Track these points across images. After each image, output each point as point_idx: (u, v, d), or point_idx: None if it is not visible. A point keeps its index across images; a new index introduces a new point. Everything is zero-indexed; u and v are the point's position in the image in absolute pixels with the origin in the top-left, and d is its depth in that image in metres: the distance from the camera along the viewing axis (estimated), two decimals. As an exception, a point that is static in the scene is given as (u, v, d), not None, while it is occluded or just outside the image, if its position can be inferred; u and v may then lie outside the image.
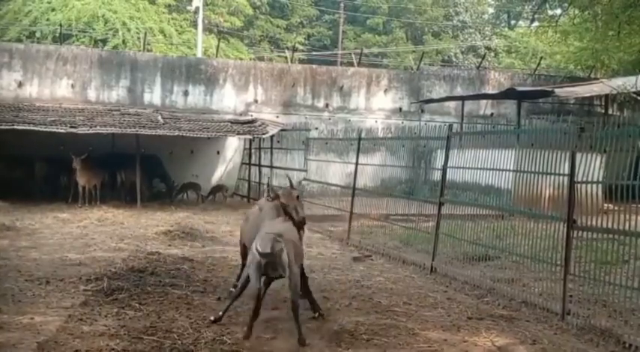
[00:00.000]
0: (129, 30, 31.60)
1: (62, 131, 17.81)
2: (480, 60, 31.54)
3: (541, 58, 29.66)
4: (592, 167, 7.71)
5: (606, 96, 24.17)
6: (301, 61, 31.73)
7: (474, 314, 7.96)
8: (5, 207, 16.71)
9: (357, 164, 14.94)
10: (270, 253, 6.33)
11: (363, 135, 15.17)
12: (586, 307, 7.78)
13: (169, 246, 12.18)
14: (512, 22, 48.27)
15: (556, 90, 22.14)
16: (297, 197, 7.74)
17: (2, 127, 17.25)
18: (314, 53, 34.46)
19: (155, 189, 21.52)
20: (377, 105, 25.36)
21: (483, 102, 26.09)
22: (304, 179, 18.84)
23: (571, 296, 7.90)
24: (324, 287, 9.10)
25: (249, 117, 22.57)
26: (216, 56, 27.17)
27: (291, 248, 6.58)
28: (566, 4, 29.72)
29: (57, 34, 27.99)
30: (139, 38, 30.49)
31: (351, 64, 28.49)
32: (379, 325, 7.23)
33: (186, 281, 8.99)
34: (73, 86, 22.61)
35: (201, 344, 6.30)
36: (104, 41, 31.64)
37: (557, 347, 6.71)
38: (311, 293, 7.53)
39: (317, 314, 7.41)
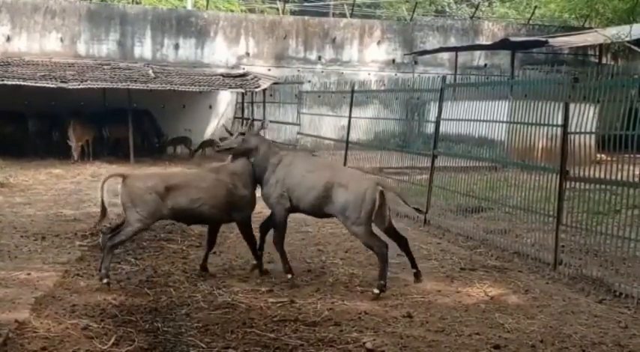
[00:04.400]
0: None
1: (52, 86, 17.66)
2: (473, 10, 31.16)
3: (535, 7, 29.32)
4: (585, 117, 7.70)
5: (600, 45, 23.98)
6: (293, 13, 31.22)
7: (467, 265, 8.05)
8: (-2, 164, 16.66)
9: (350, 117, 14.89)
10: None
11: (356, 88, 15.09)
12: (578, 257, 7.87)
13: (164, 200, 12.17)
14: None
15: (550, 40, 21.97)
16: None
17: (-8, 83, 17.09)
18: (306, 4, 33.88)
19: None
20: (370, 58, 25.13)
21: (477, 53, 25.89)
22: (298, 133, 18.82)
23: (563, 246, 7.99)
24: (318, 240, 9.17)
25: (241, 71, 22.35)
26: (207, 8, 26.74)
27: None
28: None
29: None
30: (127, -10, 29.94)
31: (343, 16, 28.11)
32: (373, 277, 7.30)
33: (182, 235, 9.05)
34: (62, 40, 22.30)
35: (198, 298, 6.37)
36: (92, -7, 31.02)
37: (548, 296, 6.81)
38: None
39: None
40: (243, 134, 7.48)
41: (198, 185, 7.02)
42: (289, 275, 7.01)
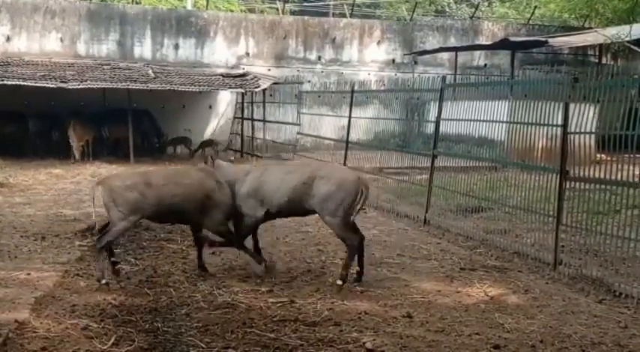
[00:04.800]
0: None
1: (52, 86, 17.66)
2: (473, 10, 31.15)
3: (535, 7, 29.32)
4: (585, 117, 7.70)
5: (600, 45, 23.98)
6: (293, 13, 31.20)
7: (467, 265, 8.04)
8: (-3, 164, 16.66)
9: (350, 117, 14.89)
10: None
11: (356, 88, 15.08)
12: (577, 257, 7.87)
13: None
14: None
15: (550, 40, 21.98)
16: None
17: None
18: (305, 4, 33.86)
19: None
20: (370, 58, 25.13)
21: (477, 53, 25.89)
22: (298, 133, 18.81)
23: (563, 246, 7.99)
24: (318, 240, 9.17)
25: (240, 71, 22.35)
26: (207, 8, 26.74)
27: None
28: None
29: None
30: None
31: (343, 16, 28.11)
32: (373, 277, 7.31)
33: (181, 235, 9.03)
34: (62, 40, 22.29)
35: (198, 298, 6.37)
36: (92, -7, 31.01)
37: (548, 296, 6.81)
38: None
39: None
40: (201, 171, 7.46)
41: (180, 181, 7.03)
42: (262, 265, 7.14)
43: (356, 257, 7.02)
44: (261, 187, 7.13)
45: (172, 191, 6.90)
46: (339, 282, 6.73)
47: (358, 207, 6.94)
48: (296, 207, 7.08)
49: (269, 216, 7.25)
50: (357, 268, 7.09)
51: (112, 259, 7.04)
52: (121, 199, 6.69)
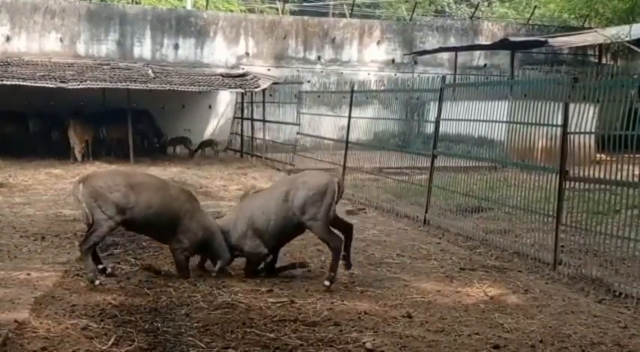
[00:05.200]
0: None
1: (52, 86, 17.65)
2: (473, 10, 31.15)
3: (535, 7, 29.34)
4: (585, 117, 7.70)
5: (600, 45, 24.00)
6: (292, 13, 31.19)
7: (466, 265, 8.04)
8: (-3, 164, 16.66)
9: (349, 117, 14.89)
10: None
11: (355, 88, 15.08)
12: (577, 257, 7.87)
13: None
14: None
15: (549, 40, 22.00)
16: None
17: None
18: (305, 4, 33.85)
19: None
20: (370, 58, 25.14)
21: (477, 53, 25.90)
22: (297, 133, 18.81)
23: (562, 246, 7.99)
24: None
25: (240, 71, 22.35)
26: (206, 8, 26.74)
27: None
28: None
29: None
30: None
31: (343, 16, 28.12)
32: (373, 277, 7.31)
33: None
34: (61, 40, 22.30)
35: (198, 298, 6.36)
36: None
37: (548, 296, 6.81)
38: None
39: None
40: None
41: (158, 192, 6.92)
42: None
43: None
44: (248, 220, 7.09)
45: (150, 200, 6.78)
46: (327, 283, 6.74)
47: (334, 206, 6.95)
48: (287, 227, 7.05)
49: (272, 249, 7.22)
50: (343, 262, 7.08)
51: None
52: (103, 200, 6.58)
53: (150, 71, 20.29)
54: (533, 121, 8.66)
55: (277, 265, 7.41)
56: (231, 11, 30.31)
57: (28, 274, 7.00)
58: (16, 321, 5.47)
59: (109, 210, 6.61)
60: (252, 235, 7.08)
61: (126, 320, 5.70)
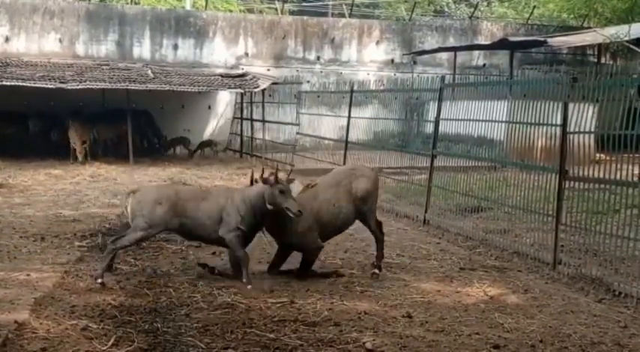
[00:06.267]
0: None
1: (51, 87, 17.64)
2: (472, 10, 31.13)
3: (534, 7, 29.35)
4: (584, 117, 7.70)
5: (599, 45, 23.99)
6: (292, 13, 31.14)
7: (466, 265, 8.05)
8: (-3, 164, 16.64)
9: (349, 117, 14.89)
10: None
11: (355, 88, 15.08)
12: (577, 256, 7.87)
13: (163, 201, 12.16)
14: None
15: (549, 39, 21.99)
16: None
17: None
18: (304, 4, 33.82)
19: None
20: (369, 58, 25.12)
21: (476, 53, 25.90)
22: (297, 133, 18.80)
23: (562, 246, 7.99)
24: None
25: (240, 71, 22.32)
26: (206, 8, 26.71)
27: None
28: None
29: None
30: (126, -10, 29.90)
31: (342, 16, 28.12)
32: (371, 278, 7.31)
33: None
34: (60, 41, 22.28)
35: (198, 298, 6.36)
36: (91, -6, 31.00)
37: (548, 295, 6.81)
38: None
39: None
40: None
41: (204, 202, 7.06)
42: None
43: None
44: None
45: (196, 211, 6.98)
46: (376, 271, 7.34)
47: None
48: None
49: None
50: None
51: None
52: (148, 210, 6.86)
53: (149, 71, 20.27)
54: (533, 121, 8.66)
55: (319, 270, 7.41)
56: (231, 11, 30.30)
57: (28, 275, 7.00)
58: (15, 322, 5.47)
59: (150, 222, 6.85)
60: (315, 229, 7.14)
61: (126, 320, 5.71)
